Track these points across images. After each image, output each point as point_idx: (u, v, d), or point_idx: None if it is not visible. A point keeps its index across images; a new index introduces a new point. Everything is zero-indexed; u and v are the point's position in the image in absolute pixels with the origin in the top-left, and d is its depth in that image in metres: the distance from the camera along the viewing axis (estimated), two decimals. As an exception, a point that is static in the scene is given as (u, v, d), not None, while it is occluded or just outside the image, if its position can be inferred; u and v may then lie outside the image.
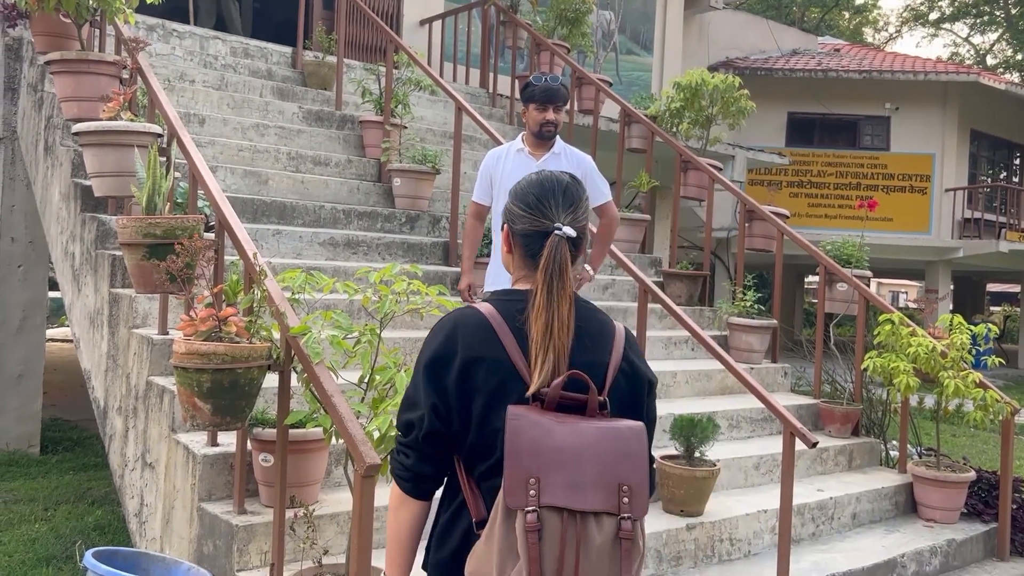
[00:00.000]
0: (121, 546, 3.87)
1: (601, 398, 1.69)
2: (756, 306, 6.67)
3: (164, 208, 3.61)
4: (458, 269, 6.07)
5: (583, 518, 1.56)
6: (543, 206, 1.78)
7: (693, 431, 4.59)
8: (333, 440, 3.14)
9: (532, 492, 1.55)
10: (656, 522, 4.39)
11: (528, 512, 1.54)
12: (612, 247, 5.10)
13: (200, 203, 4.52)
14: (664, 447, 5.04)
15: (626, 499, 1.59)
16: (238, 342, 3.06)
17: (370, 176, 6.84)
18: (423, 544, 1.85)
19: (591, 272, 4.57)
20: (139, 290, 3.60)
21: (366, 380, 3.24)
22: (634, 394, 1.79)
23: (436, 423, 1.71)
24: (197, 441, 3.78)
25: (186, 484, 3.75)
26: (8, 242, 7.14)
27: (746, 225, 7.05)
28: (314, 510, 3.37)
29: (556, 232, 1.74)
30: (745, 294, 6.73)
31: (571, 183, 1.84)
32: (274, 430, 3.46)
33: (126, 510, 4.37)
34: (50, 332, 13.31)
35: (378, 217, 6.28)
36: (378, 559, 2.61)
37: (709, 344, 4.78)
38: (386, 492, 1.97)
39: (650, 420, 1.83)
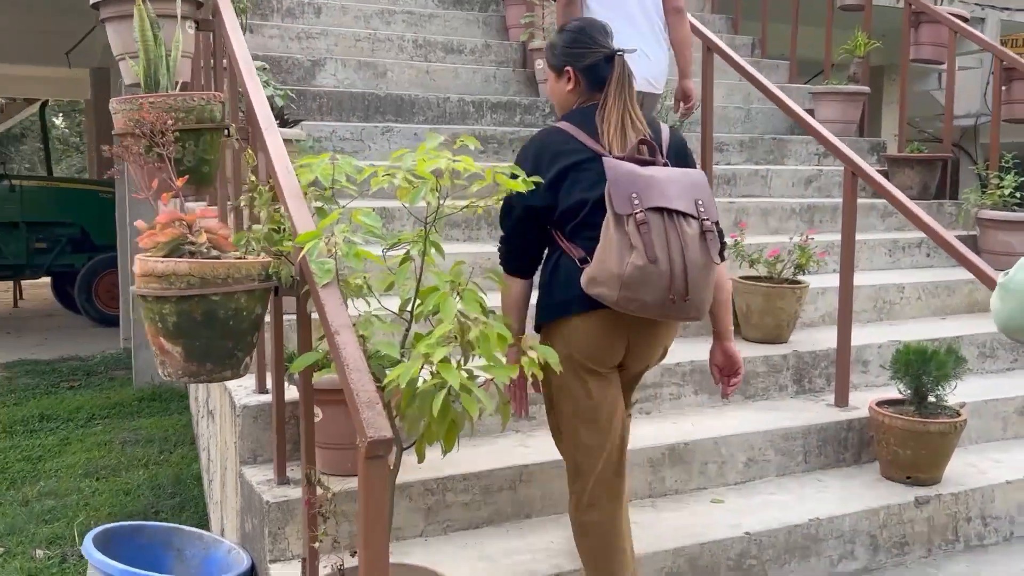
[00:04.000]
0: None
1: (663, 159, 2.28)
2: (1017, 194, 5.02)
3: (171, 85, 2.74)
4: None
5: (677, 217, 2.09)
6: (599, 37, 2.34)
7: (925, 366, 3.24)
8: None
9: (636, 202, 2.07)
10: (869, 494, 3.14)
11: (637, 213, 2.06)
12: (816, 126, 3.81)
13: (270, 91, 3.65)
14: (883, 387, 3.72)
15: (702, 208, 2.15)
16: (215, 257, 2.14)
17: (511, 62, 5.75)
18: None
19: (692, 87, 3.88)
20: (149, 196, 2.77)
21: (409, 308, 2.24)
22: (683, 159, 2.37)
23: (533, 211, 2.26)
24: (245, 387, 2.96)
25: (231, 440, 2.96)
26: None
27: (1003, 88, 5.33)
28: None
29: (618, 53, 2.29)
30: (1002, 180, 5.08)
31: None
32: (327, 375, 2.56)
33: (201, 465, 3.69)
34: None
35: (516, 108, 5.22)
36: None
37: (952, 245, 3.37)
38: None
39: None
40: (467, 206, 2.27)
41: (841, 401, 3.57)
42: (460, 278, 2.19)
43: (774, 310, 3.84)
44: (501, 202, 2.29)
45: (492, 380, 2.05)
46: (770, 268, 3.91)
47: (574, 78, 2.32)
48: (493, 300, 2.33)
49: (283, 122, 3.80)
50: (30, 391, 6.49)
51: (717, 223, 2.18)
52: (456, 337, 2.05)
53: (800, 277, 3.96)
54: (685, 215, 2.09)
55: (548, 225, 2.26)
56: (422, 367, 1.97)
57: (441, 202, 2.19)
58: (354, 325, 2.04)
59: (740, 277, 3.95)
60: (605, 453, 2.28)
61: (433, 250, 2.26)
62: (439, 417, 1.97)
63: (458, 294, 2.15)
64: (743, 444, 3.23)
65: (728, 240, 4.28)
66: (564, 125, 2.29)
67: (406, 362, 1.98)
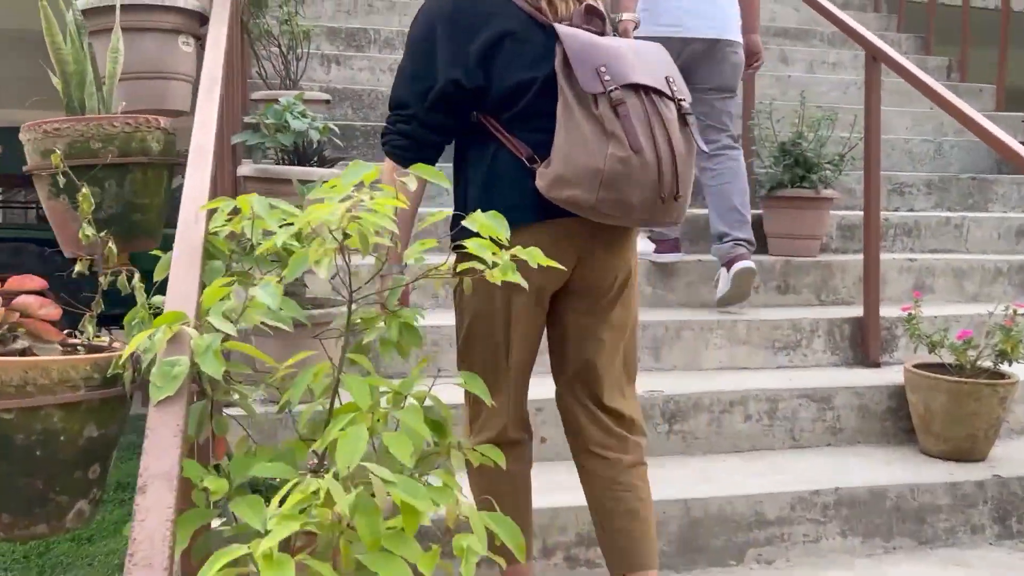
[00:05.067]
0: None
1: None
2: None
3: (102, 105, 2.09)
4: (752, 211, 3.93)
5: (655, 96, 1.70)
6: None
7: None
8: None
9: (607, 77, 1.65)
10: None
11: (612, 91, 1.64)
12: None
13: (300, 123, 2.98)
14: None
15: (675, 86, 1.76)
16: (23, 352, 1.41)
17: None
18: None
19: (758, 41, 3.58)
20: (66, 249, 2.11)
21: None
22: None
23: (453, 89, 1.73)
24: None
25: None
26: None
27: None
28: None
29: None
30: None
31: None
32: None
33: None
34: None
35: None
36: None
37: None
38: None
39: None
40: (413, 281, 1.43)
41: (1071, 560, 2.40)
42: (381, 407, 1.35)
43: (965, 415, 2.72)
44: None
45: None
46: (959, 355, 2.79)
47: None
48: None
49: (320, 159, 3.11)
50: None
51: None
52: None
53: (1005, 368, 2.81)
54: (660, 93, 1.72)
55: (475, 110, 1.78)
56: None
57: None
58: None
59: (916, 366, 2.86)
60: (512, 378, 1.86)
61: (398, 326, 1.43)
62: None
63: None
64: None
65: (898, 312, 3.26)
66: None
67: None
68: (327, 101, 3.75)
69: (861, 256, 3.41)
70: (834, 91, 5.16)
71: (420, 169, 1.41)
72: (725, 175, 3.38)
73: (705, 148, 1.76)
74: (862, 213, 3.47)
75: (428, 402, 1.49)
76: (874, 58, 3.28)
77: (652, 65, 1.73)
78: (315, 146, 3.13)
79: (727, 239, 3.27)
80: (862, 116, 3.39)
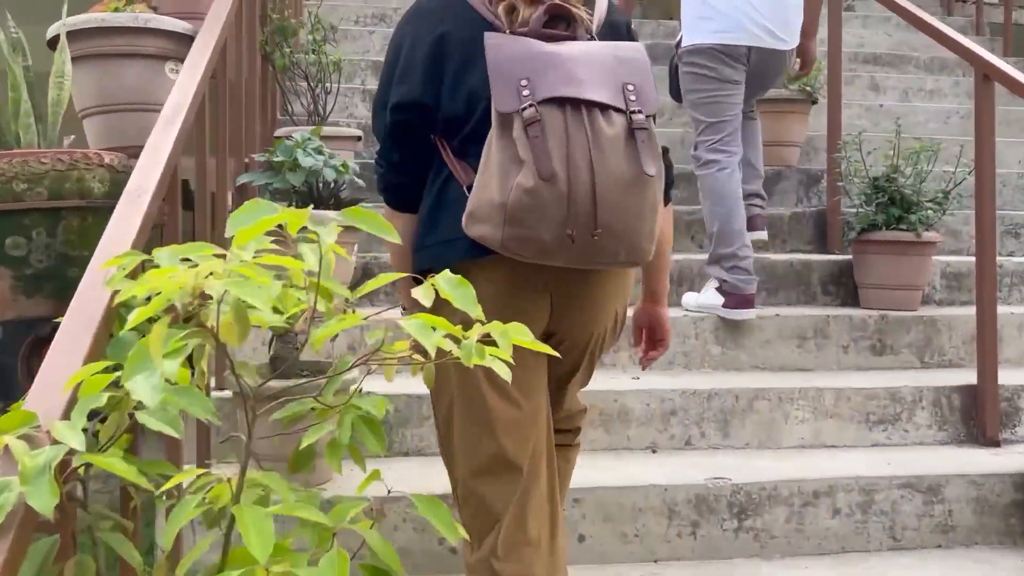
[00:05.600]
0: None
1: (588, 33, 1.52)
2: None
3: (42, 139, 1.76)
4: (839, 256, 3.44)
5: (589, 111, 1.40)
6: None
7: None
8: None
9: (526, 92, 1.39)
10: None
11: (525, 108, 1.37)
12: None
13: (309, 159, 2.63)
14: None
15: (633, 96, 1.44)
16: None
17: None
18: None
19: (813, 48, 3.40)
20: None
21: None
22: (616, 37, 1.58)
23: (400, 113, 1.52)
24: None
25: None
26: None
27: None
28: None
29: None
30: None
31: None
32: None
33: None
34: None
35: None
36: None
37: None
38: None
39: None
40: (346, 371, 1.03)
41: None
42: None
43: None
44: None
45: None
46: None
47: None
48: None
49: (336, 201, 2.75)
50: None
51: (653, 118, 1.47)
52: None
53: None
54: (604, 107, 1.42)
55: (432, 134, 1.54)
56: None
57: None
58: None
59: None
60: (523, 476, 1.51)
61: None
62: None
63: None
64: None
65: (1021, 378, 2.71)
66: None
67: None
68: (358, 138, 3.42)
69: (972, 309, 2.87)
70: (932, 121, 4.62)
71: (354, 214, 1.01)
72: (745, 139, 3.26)
73: (651, 172, 1.40)
74: (971, 259, 2.96)
75: (374, 535, 1.07)
76: (986, 76, 2.76)
77: (605, 70, 1.43)
78: (332, 186, 2.78)
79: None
80: (967, 148, 2.88)
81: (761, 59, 3.08)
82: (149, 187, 1.54)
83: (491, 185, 1.38)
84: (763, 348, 2.95)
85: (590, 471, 2.28)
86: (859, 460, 2.51)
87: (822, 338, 2.99)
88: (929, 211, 3.19)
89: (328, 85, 3.38)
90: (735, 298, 2.93)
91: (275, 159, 2.67)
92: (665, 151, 1.51)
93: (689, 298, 3.06)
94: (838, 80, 3.73)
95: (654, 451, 2.55)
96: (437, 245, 1.50)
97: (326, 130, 3.08)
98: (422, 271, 1.48)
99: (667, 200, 1.59)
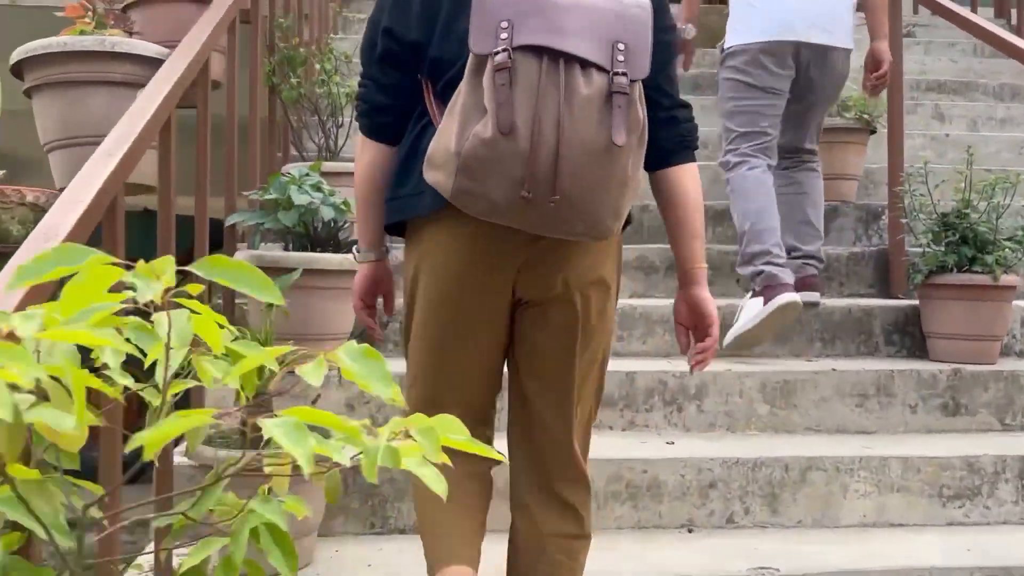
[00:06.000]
0: None
1: None
2: None
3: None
4: (903, 302, 3.09)
5: (568, 66, 1.29)
6: None
7: None
8: None
9: (503, 35, 1.29)
10: None
11: (497, 53, 1.27)
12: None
13: (304, 196, 2.39)
14: None
15: (621, 57, 1.31)
16: None
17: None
18: None
19: (885, 50, 3.08)
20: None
21: None
22: None
23: (391, 42, 1.45)
24: None
25: None
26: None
27: None
28: None
29: None
30: None
31: None
32: None
33: None
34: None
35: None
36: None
37: None
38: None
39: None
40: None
41: None
42: None
43: None
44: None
45: None
46: None
47: None
48: None
49: (335, 243, 2.50)
50: None
51: (636, 83, 1.31)
52: None
53: None
54: (585, 64, 1.28)
55: (420, 74, 1.45)
56: None
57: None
58: None
59: None
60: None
61: None
62: None
63: None
64: None
65: None
66: None
67: None
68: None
69: (1062, 365, 2.50)
70: (1005, 151, 4.22)
71: (213, 265, 0.73)
72: (802, 184, 2.99)
73: (619, 142, 1.27)
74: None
75: None
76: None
77: (598, 22, 1.30)
78: (332, 226, 2.53)
79: (796, 254, 2.89)
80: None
81: (813, 59, 2.86)
82: (62, 229, 1.29)
83: (451, 131, 1.30)
84: (818, 407, 2.60)
85: (611, 557, 1.96)
86: (932, 544, 2.14)
87: (886, 396, 2.63)
88: (1007, 250, 2.82)
89: (340, 119, 3.15)
90: (773, 290, 2.67)
91: (267, 197, 2.44)
92: (686, 106, 1.46)
93: (728, 336, 2.72)
94: (899, 107, 3.39)
95: (690, 530, 2.21)
96: (407, 197, 1.43)
97: (331, 165, 2.84)
98: (393, 224, 1.48)
99: (690, 158, 1.48)
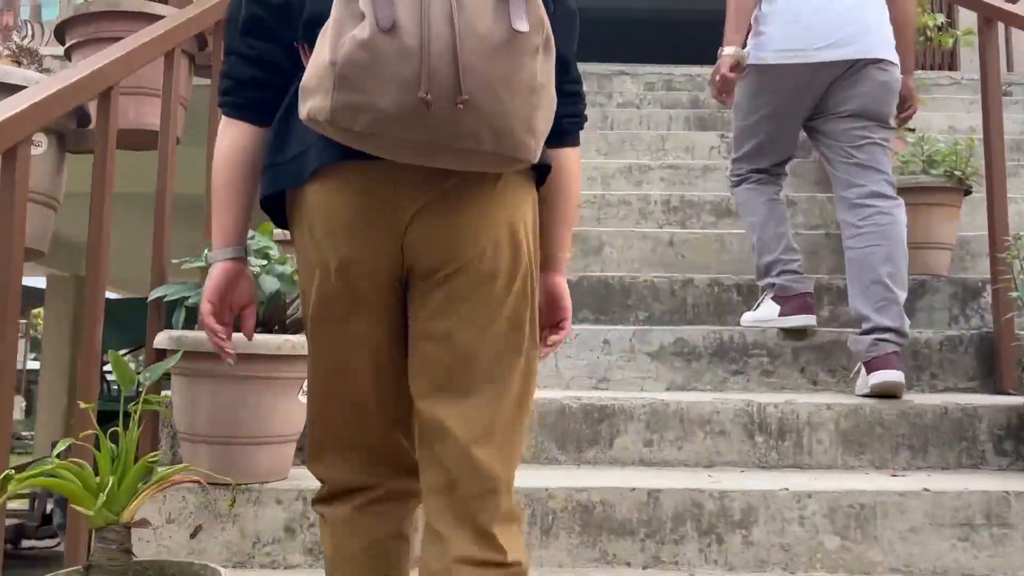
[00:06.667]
0: None
1: None
2: None
3: None
4: (1016, 399, 2.44)
5: None
6: None
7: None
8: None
9: None
10: None
11: None
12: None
13: (268, 281, 1.95)
14: None
15: None
16: None
17: (831, 222, 3.51)
18: None
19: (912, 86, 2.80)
20: None
21: None
22: None
23: (256, 6, 1.34)
24: None
25: None
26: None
27: None
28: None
29: None
30: None
31: None
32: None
33: None
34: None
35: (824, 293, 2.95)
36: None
37: None
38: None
39: None
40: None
41: None
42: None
43: None
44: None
45: None
46: None
47: None
48: None
49: (281, 325, 2.02)
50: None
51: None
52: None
53: None
54: None
55: (295, 40, 1.32)
56: None
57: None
58: None
59: None
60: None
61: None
62: None
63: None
64: None
65: None
66: None
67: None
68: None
69: None
70: None
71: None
72: (871, 235, 2.50)
73: (522, 27, 1.11)
74: None
75: None
76: None
77: None
78: (281, 301, 2.06)
79: (867, 326, 2.45)
80: None
81: (837, 76, 2.58)
82: None
83: (324, 46, 1.14)
84: (905, 540, 1.97)
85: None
86: None
87: (999, 526, 1.98)
88: None
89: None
90: (789, 303, 2.64)
91: (199, 264, 1.99)
92: (574, 76, 1.37)
93: (746, 316, 2.79)
94: (1001, 167, 2.80)
95: None
96: (286, 163, 1.28)
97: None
98: (269, 196, 1.32)
99: (579, 141, 1.40)
